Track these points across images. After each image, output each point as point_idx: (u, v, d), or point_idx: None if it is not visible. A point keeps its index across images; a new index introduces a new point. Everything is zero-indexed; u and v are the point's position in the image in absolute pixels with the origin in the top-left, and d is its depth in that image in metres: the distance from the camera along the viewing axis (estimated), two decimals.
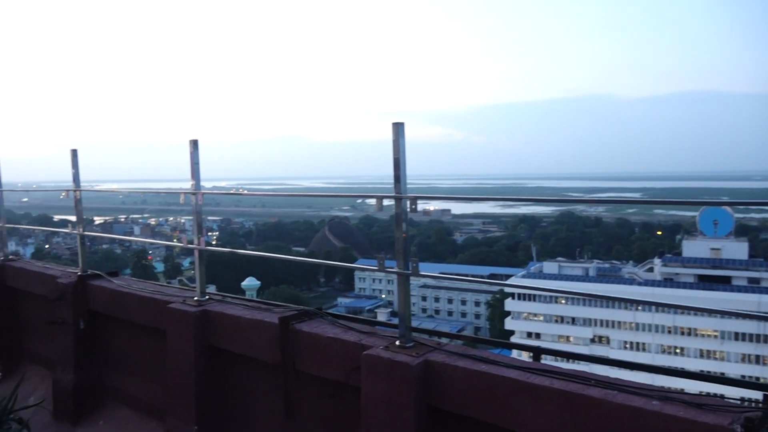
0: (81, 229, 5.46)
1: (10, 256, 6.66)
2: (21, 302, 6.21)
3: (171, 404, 4.14)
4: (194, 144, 4.19)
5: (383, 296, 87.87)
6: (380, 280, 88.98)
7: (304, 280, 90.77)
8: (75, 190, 5.36)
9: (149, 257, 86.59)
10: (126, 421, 4.77)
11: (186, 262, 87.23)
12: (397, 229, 3.07)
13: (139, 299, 4.61)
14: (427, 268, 3.08)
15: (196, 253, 4.31)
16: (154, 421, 4.54)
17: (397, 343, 3.04)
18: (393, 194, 3.02)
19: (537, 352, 3.05)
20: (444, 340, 3.20)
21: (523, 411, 2.56)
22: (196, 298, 4.20)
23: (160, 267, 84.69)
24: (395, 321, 3.18)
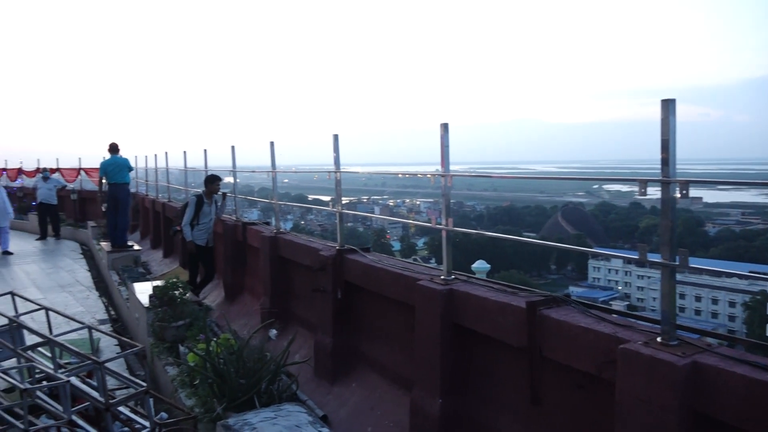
0: (340, 208, 6.01)
1: (281, 230, 7.62)
2: (290, 270, 7.07)
3: (417, 376, 4.37)
4: (444, 127, 4.33)
5: (619, 288, 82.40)
6: (617, 271, 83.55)
7: (534, 266, 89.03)
8: (335, 172, 5.91)
9: (387, 236, 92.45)
10: (375, 386, 5.16)
11: (420, 243, 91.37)
12: (663, 217, 2.82)
13: (390, 274, 4.93)
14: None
15: (444, 234, 4.46)
16: (400, 390, 4.84)
17: (659, 339, 2.81)
18: (660, 178, 2.78)
19: None
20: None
21: None
22: (443, 277, 4.35)
23: (396, 246, 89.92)
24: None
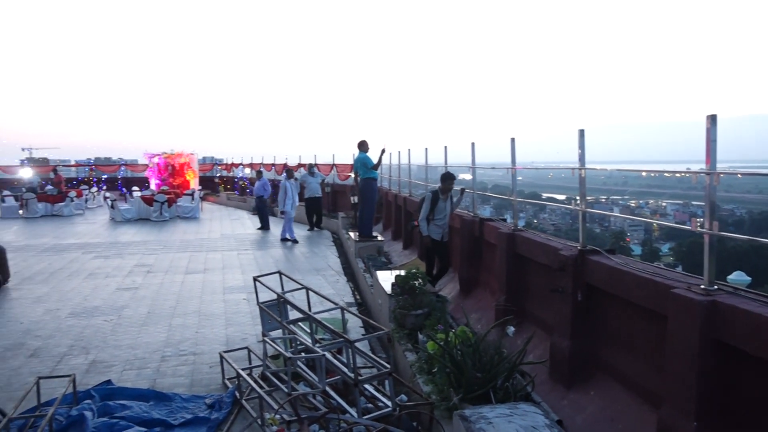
0: (583, 206, 5.75)
1: (518, 227, 7.55)
2: (527, 268, 6.97)
3: (667, 393, 3.98)
4: (712, 119, 3.87)
5: None
6: None
7: None
8: (580, 169, 5.66)
9: (627, 239, 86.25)
10: (616, 397, 4.84)
11: (664, 248, 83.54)
12: None
13: (638, 279, 4.57)
14: None
15: (706, 239, 4.01)
16: (645, 405, 4.48)
17: None
18: None
19: None
20: None
21: None
22: (703, 287, 3.91)
23: (636, 250, 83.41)
24: None
